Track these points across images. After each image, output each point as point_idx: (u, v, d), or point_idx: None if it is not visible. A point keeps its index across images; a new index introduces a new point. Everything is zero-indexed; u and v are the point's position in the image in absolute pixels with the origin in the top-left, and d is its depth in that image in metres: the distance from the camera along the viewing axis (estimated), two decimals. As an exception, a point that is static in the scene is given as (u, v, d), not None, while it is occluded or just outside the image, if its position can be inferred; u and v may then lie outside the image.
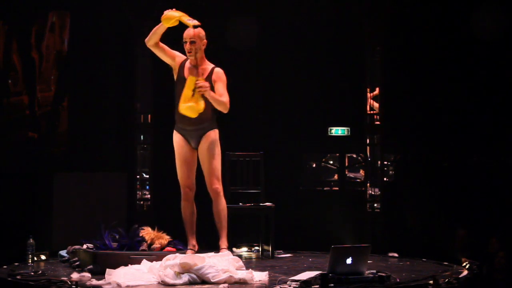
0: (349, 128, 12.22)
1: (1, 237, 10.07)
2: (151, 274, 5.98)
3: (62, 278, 5.93)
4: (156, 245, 6.76)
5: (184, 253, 6.61)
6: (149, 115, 11.78)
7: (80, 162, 11.47)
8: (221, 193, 7.05)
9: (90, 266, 6.40)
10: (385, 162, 12.16)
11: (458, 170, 11.84)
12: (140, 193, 11.70)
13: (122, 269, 6.08)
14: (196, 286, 5.79)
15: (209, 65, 7.14)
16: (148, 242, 6.78)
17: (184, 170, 7.03)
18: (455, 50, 11.63)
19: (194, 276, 5.84)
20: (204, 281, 5.83)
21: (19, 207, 10.76)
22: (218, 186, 7.03)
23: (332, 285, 5.51)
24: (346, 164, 12.60)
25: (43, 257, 7.33)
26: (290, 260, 7.54)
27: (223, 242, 6.98)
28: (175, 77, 7.28)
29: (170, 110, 11.81)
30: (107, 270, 6.01)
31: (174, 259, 5.98)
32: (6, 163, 11.13)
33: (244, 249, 8.16)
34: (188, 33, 7.15)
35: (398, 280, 5.84)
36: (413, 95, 11.75)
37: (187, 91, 6.92)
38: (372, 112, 11.75)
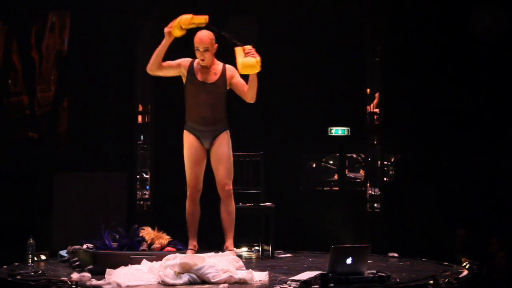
0: (349, 128, 12.21)
1: (1, 237, 10.06)
2: (151, 274, 5.98)
3: (62, 278, 5.93)
4: (156, 245, 6.77)
5: (184, 253, 6.61)
6: (149, 115, 11.78)
7: (80, 162, 11.46)
8: (232, 195, 7.07)
9: (90, 266, 6.41)
10: (385, 162, 12.16)
11: (458, 170, 11.83)
12: (140, 193, 11.70)
13: (122, 269, 6.08)
14: (196, 286, 5.79)
15: (219, 64, 7.14)
16: (148, 242, 6.78)
17: (195, 171, 7.01)
18: (455, 50, 11.63)
19: (194, 276, 5.84)
20: (204, 281, 5.83)
21: (19, 207, 10.75)
22: (231, 187, 7.06)
23: (332, 285, 5.51)
24: (346, 164, 12.60)
25: (43, 257, 7.34)
26: (290, 260, 7.54)
27: (231, 244, 7.02)
28: (184, 80, 7.22)
29: (170, 110, 11.85)
30: (107, 270, 6.01)
31: (174, 259, 5.98)
32: (6, 163, 11.12)
33: (244, 249, 8.16)
34: (201, 41, 7.05)
35: (398, 280, 5.84)
36: (413, 95, 11.75)
37: (242, 59, 6.91)
38: (372, 112, 11.75)
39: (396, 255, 7.84)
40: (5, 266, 6.80)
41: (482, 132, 11.61)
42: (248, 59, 6.92)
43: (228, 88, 7.14)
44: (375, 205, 11.63)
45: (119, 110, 11.93)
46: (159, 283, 5.84)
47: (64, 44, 11.93)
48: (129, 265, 6.23)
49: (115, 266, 6.12)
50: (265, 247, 7.84)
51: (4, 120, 11.59)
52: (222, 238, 7.11)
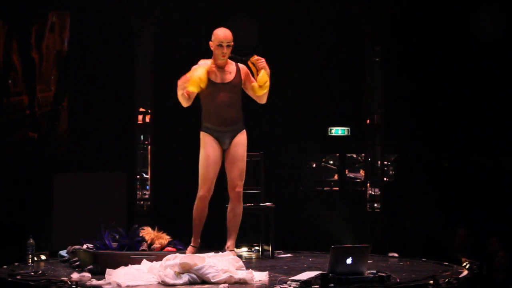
0: (349, 128, 12.22)
1: (1, 237, 10.07)
2: (151, 274, 5.98)
3: (62, 278, 5.93)
4: (156, 245, 6.76)
5: (184, 253, 6.61)
6: (149, 115, 11.78)
7: (80, 162, 11.46)
8: (242, 197, 7.09)
9: (90, 266, 6.40)
10: (385, 162, 12.16)
11: (458, 170, 11.84)
12: (140, 193, 11.70)
13: (122, 269, 6.08)
14: (196, 286, 5.79)
15: (231, 63, 7.10)
16: (148, 242, 6.77)
17: (211, 171, 6.97)
18: (455, 50, 11.63)
19: (194, 276, 5.84)
20: (204, 281, 5.83)
21: (19, 207, 10.76)
22: (241, 189, 7.07)
23: (332, 285, 5.50)
24: (346, 164, 12.61)
25: (43, 257, 7.33)
26: (290, 260, 7.53)
27: (232, 245, 7.03)
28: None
29: (170, 110, 11.84)
30: (107, 270, 6.01)
31: (174, 259, 5.98)
32: (6, 163, 11.12)
33: (244, 249, 8.16)
34: (226, 35, 6.98)
35: (398, 280, 5.84)
36: (413, 95, 11.76)
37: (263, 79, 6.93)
38: (372, 112, 11.75)
39: (396, 255, 7.84)
40: (5, 266, 6.80)
41: (482, 132, 11.61)
42: (265, 77, 6.96)
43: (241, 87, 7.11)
44: (375, 205, 11.63)
45: (119, 110, 11.94)
46: (159, 283, 5.84)
47: (64, 44, 11.93)
48: (129, 265, 6.22)
49: (115, 266, 6.11)
50: (265, 247, 7.83)
51: (4, 120, 11.59)
52: (223, 238, 7.11)
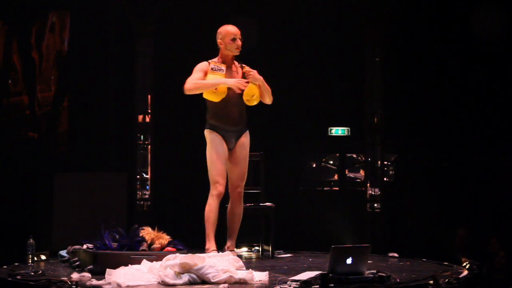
0: (349, 128, 12.22)
1: (1, 237, 10.06)
2: (151, 274, 5.98)
3: (62, 278, 5.93)
4: (156, 245, 6.76)
5: (184, 253, 6.61)
6: (149, 115, 11.78)
7: (80, 162, 11.47)
8: (242, 197, 7.10)
9: (90, 266, 6.40)
10: (385, 162, 12.17)
11: (458, 170, 11.84)
12: (140, 193, 11.70)
13: (122, 269, 6.08)
14: (196, 286, 5.79)
15: (236, 63, 7.10)
16: (148, 242, 6.77)
17: (222, 169, 6.96)
18: (455, 50, 11.64)
19: (194, 276, 5.84)
20: (204, 281, 5.83)
21: (19, 207, 10.76)
22: (243, 190, 7.10)
23: (332, 285, 5.50)
24: (346, 164, 12.62)
25: (43, 257, 7.33)
26: (290, 260, 7.53)
27: (232, 245, 7.05)
28: None
29: (170, 110, 11.85)
30: (107, 270, 6.00)
31: (174, 259, 5.98)
32: (6, 163, 11.12)
33: (244, 249, 8.16)
34: (237, 29, 7.02)
35: (398, 280, 5.83)
36: (413, 95, 11.76)
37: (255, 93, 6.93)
38: (372, 112, 11.75)
39: (396, 255, 7.84)
40: (5, 266, 6.80)
41: (482, 132, 11.61)
42: (252, 91, 6.95)
43: None
44: (375, 205, 11.63)
45: (119, 110, 11.94)
46: (159, 283, 5.83)
47: (64, 44, 11.94)
48: (129, 265, 6.22)
49: (115, 266, 6.11)
50: (265, 247, 7.83)
51: (4, 120, 11.59)
52: (224, 238, 7.12)
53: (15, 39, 11.75)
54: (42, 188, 11.02)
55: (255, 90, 7.02)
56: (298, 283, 5.56)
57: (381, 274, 5.75)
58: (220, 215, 7.12)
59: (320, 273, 5.60)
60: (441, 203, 11.37)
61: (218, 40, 7.03)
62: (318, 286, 5.52)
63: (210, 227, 6.94)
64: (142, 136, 11.80)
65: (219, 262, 6.01)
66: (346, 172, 12.59)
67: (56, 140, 11.86)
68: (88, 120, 11.71)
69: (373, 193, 11.67)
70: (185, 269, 5.86)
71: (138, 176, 11.73)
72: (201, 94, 7.01)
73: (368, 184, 11.73)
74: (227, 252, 6.66)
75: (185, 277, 5.83)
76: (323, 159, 12.92)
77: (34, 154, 11.46)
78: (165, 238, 6.83)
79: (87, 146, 11.61)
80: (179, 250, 6.69)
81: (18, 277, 6.15)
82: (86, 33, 11.65)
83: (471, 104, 11.67)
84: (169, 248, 6.78)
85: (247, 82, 6.98)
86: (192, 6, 11.68)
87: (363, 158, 12.13)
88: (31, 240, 7.08)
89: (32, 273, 6.30)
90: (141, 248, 6.72)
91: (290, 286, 5.58)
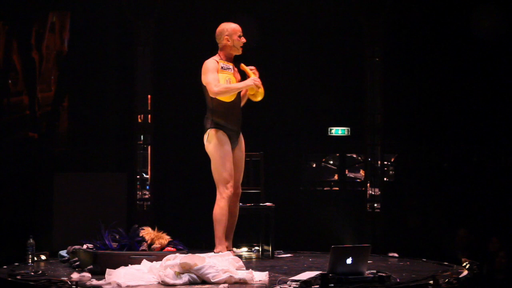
0: (349, 128, 12.22)
1: (1, 237, 10.06)
2: (151, 274, 5.98)
3: (62, 278, 5.93)
4: (156, 245, 6.76)
5: (185, 253, 6.61)
6: (149, 115, 11.78)
7: (80, 162, 11.47)
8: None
9: (90, 266, 6.40)
10: (385, 162, 12.17)
11: (458, 170, 11.84)
12: (140, 193, 11.70)
13: (122, 269, 6.08)
14: (196, 286, 5.79)
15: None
16: (148, 242, 6.77)
17: (231, 169, 6.92)
18: (455, 50, 11.64)
19: (194, 276, 5.83)
20: (204, 281, 5.83)
21: (19, 207, 10.76)
22: (241, 190, 7.12)
23: (332, 285, 5.50)
24: (346, 164, 12.62)
25: (43, 257, 7.33)
26: (290, 260, 7.53)
27: (231, 244, 7.05)
28: None
29: (170, 110, 11.84)
30: (107, 270, 6.00)
31: (174, 259, 5.98)
32: (6, 163, 11.12)
33: (244, 249, 8.16)
34: (239, 26, 7.01)
35: (398, 280, 5.83)
36: (413, 95, 11.76)
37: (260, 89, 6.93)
38: (372, 112, 11.75)
39: (396, 255, 7.84)
40: (5, 266, 6.80)
41: (482, 132, 11.61)
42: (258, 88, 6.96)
43: None
44: (375, 205, 11.63)
45: (119, 110, 11.94)
46: (159, 283, 5.83)
47: (64, 44, 11.94)
48: (129, 265, 6.22)
49: (115, 266, 6.11)
50: (265, 247, 7.83)
51: (4, 120, 11.59)
52: (237, 238, 7.13)
53: (15, 39, 11.75)
54: (42, 188, 11.02)
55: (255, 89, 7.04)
56: (298, 283, 5.56)
57: (381, 274, 5.75)
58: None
59: (320, 273, 5.60)
60: (441, 203, 11.37)
61: (225, 37, 6.97)
62: (318, 286, 5.52)
63: (222, 230, 6.92)
64: (142, 136, 11.80)
65: (219, 262, 6.01)
66: (346, 172, 12.59)
67: (56, 140, 11.86)
68: (88, 120, 11.71)
69: (373, 193, 11.67)
70: (185, 269, 5.86)
71: (138, 176, 11.73)
72: (203, 93, 6.99)
73: (368, 184, 11.73)
74: (227, 252, 6.66)
75: (185, 277, 5.83)
76: (323, 159, 12.92)
77: (34, 154, 11.46)
78: (165, 238, 6.83)
79: (87, 146, 11.61)
80: (179, 250, 6.69)
81: (18, 277, 6.14)
82: (86, 33, 11.65)
83: (471, 104, 11.67)
84: (169, 248, 6.78)
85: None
86: (192, 6, 11.68)
87: (363, 158, 12.13)
88: (31, 240, 7.07)
89: (32, 273, 6.30)
90: (141, 248, 6.71)
91: (290, 286, 5.58)
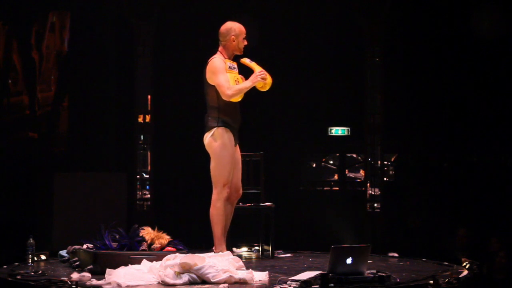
0: (349, 128, 12.22)
1: (1, 237, 10.06)
2: (151, 274, 5.98)
3: (62, 278, 5.93)
4: (156, 245, 6.76)
5: (185, 253, 6.61)
6: (149, 115, 11.78)
7: (80, 162, 11.47)
8: None
9: (90, 266, 6.40)
10: (385, 162, 12.17)
11: (458, 170, 11.84)
12: (140, 193, 11.70)
13: (122, 269, 6.08)
14: (196, 286, 5.79)
15: None
16: (148, 242, 6.77)
17: (231, 172, 6.91)
18: (455, 50, 11.64)
19: (194, 276, 5.83)
20: (204, 281, 5.83)
21: (19, 207, 10.75)
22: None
23: (332, 285, 5.50)
24: (346, 164, 12.62)
25: (43, 257, 7.32)
26: (290, 260, 7.53)
27: (224, 245, 7.05)
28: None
29: (170, 110, 11.84)
30: (107, 270, 6.00)
31: (174, 259, 5.98)
32: (6, 163, 11.12)
33: (244, 249, 8.16)
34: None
35: (398, 280, 5.83)
36: (413, 95, 11.76)
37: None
38: (372, 112, 11.75)
39: (396, 255, 7.84)
40: (5, 266, 6.79)
41: (482, 132, 11.61)
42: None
43: None
44: (375, 205, 11.63)
45: (119, 110, 11.94)
46: (159, 283, 5.83)
47: (64, 44, 11.94)
48: (129, 265, 6.22)
49: (115, 266, 6.11)
50: (265, 247, 7.83)
51: (4, 120, 11.59)
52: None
53: (15, 39, 11.75)
54: (42, 188, 11.02)
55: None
56: (298, 283, 5.56)
57: (381, 274, 5.75)
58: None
59: (320, 273, 5.60)
60: (441, 203, 11.37)
61: (231, 37, 6.92)
62: (318, 286, 5.52)
63: (221, 230, 6.91)
64: (142, 136, 11.80)
65: (219, 262, 6.01)
66: (346, 172, 12.60)
67: (56, 140, 11.86)
68: (88, 120, 11.71)
69: (373, 193, 11.67)
70: (185, 269, 5.86)
71: (138, 176, 11.73)
72: (205, 93, 6.95)
73: (368, 184, 11.73)
74: (227, 252, 6.66)
75: (185, 277, 5.83)
76: (323, 159, 12.92)
77: (34, 154, 11.46)
78: (165, 238, 6.83)
79: (87, 146, 11.61)
80: (179, 250, 6.69)
81: (18, 277, 6.14)
82: (86, 33, 11.65)
83: (471, 104, 11.67)
84: (169, 248, 6.78)
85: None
86: (192, 6, 11.68)
87: (363, 158, 12.13)
88: (31, 240, 7.07)
89: (32, 273, 6.30)
90: (141, 248, 6.71)
91: (290, 286, 5.58)
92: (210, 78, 6.85)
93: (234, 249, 7.71)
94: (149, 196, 11.70)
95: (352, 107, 11.96)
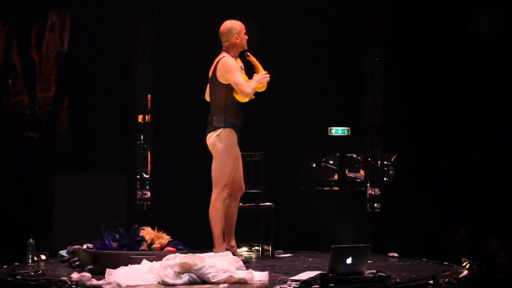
0: (349, 128, 12.22)
1: (1, 237, 10.06)
2: (151, 274, 5.98)
3: (62, 278, 5.93)
4: (156, 245, 6.76)
5: (185, 253, 6.61)
6: (149, 115, 11.78)
7: (80, 162, 11.47)
8: None
9: (90, 266, 6.40)
10: (385, 162, 12.17)
11: (458, 170, 11.84)
12: (140, 193, 11.70)
13: (122, 269, 6.08)
14: (196, 286, 5.79)
15: None
16: (148, 242, 6.77)
17: (233, 173, 6.92)
18: (455, 50, 11.64)
19: (194, 276, 5.84)
20: (204, 281, 5.83)
21: (19, 207, 10.75)
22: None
23: (332, 285, 5.50)
24: (346, 164, 12.62)
25: (43, 257, 7.32)
26: (290, 260, 7.53)
27: (234, 241, 7.06)
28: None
29: (170, 110, 11.84)
30: (107, 270, 6.00)
31: (174, 259, 5.98)
32: (6, 163, 11.12)
33: (244, 249, 8.16)
34: None
35: (398, 280, 5.83)
36: (413, 95, 11.76)
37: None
38: (372, 112, 11.75)
39: (396, 255, 7.84)
40: (5, 266, 6.79)
41: (482, 132, 11.61)
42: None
43: None
44: (375, 205, 11.63)
45: (119, 110, 11.94)
46: (159, 283, 5.83)
47: (64, 44, 11.94)
48: (129, 265, 6.22)
49: (115, 266, 6.11)
50: (265, 247, 7.83)
51: (4, 120, 11.59)
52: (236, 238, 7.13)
53: (15, 39, 11.75)
54: (42, 188, 11.02)
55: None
56: (298, 283, 5.56)
57: (381, 274, 5.75)
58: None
59: (320, 273, 5.60)
60: (441, 203, 11.37)
61: (234, 35, 6.89)
62: (318, 286, 5.52)
63: (221, 230, 6.91)
64: (142, 136, 11.80)
65: (219, 262, 6.01)
66: (346, 172, 12.60)
67: (56, 140, 11.86)
68: (88, 120, 11.71)
69: (373, 193, 11.67)
70: (185, 269, 5.86)
71: (138, 176, 11.73)
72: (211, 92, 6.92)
73: (368, 184, 11.73)
74: (227, 252, 6.66)
75: (185, 277, 5.83)
76: (323, 159, 12.92)
77: (34, 154, 11.46)
78: (165, 238, 6.83)
79: (87, 146, 11.62)
80: (179, 250, 6.69)
81: (18, 277, 6.14)
82: (86, 33, 11.65)
83: (471, 104, 11.67)
84: (169, 248, 6.78)
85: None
86: (192, 6, 11.68)
87: (363, 158, 12.13)
88: (31, 240, 7.07)
89: (32, 273, 6.30)
90: (141, 248, 6.72)
91: (290, 286, 5.58)
92: (223, 76, 6.81)
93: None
94: (149, 196, 11.71)
95: (352, 107, 11.96)
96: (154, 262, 6.23)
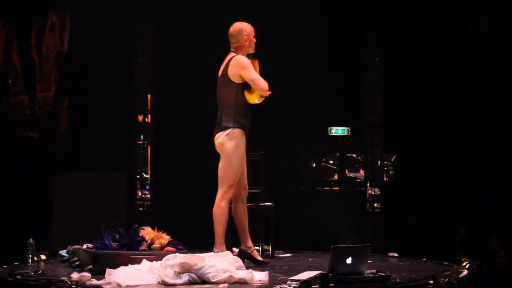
0: (349, 128, 12.22)
1: (1, 237, 10.06)
2: (151, 274, 5.98)
3: (62, 278, 5.93)
4: (156, 245, 6.76)
5: (185, 253, 6.60)
6: (149, 115, 11.78)
7: (80, 162, 11.47)
8: None
9: (90, 266, 6.40)
10: (385, 162, 12.17)
11: (458, 170, 11.84)
12: (140, 193, 11.70)
13: (122, 269, 6.08)
14: (196, 286, 5.79)
15: None
16: (148, 242, 6.77)
17: (240, 171, 6.89)
18: (455, 50, 11.64)
19: (194, 276, 5.83)
20: (204, 281, 5.83)
21: (19, 207, 10.75)
22: None
23: (332, 285, 5.50)
24: (346, 164, 12.62)
25: (43, 257, 7.32)
26: (290, 260, 7.53)
27: (250, 241, 7.02)
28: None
29: (170, 110, 11.84)
30: (107, 270, 6.00)
31: (174, 259, 5.98)
32: (6, 163, 11.12)
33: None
34: None
35: (398, 280, 5.83)
36: (413, 95, 11.76)
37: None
38: (372, 112, 11.75)
39: (396, 255, 7.84)
40: (5, 266, 6.79)
41: (482, 132, 11.62)
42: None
43: None
44: (375, 205, 11.63)
45: (119, 110, 11.94)
46: (159, 283, 5.83)
47: (64, 44, 11.94)
48: (129, 265, 6.22)
49: (115, 266, 6.11)
50: (265, 247, 7.83)
51: (4, 120, 11.59)
52: (236, 238, 7.12)
53: (15, 39, 11.75)
54: (42, 188, 11.02)
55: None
56: (298, 283, 5.56)
57: (381, 274, 5.75)
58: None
59: (320, 273, 5.60)
60: (441, 203, 11.37)
61: (244, 37, 6.86)
62: (318, 286, 5.52)
63: (223, 230, 6.87)
64: (142, 136, 11.80)
65: (219, 262, 6.01)
66: (346, 172, 12.60)
67: (56, 140, 11.86)
68: (88, 120, 11.71)
69: (373, 193, 11.67)
70: (185, 269, 5.86)
71: (138, 176, 11.73)
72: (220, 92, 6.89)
73: (368, 184, 11.73)
74: (227, 252, 6.66)
75: (185, 277, 5.83)
76: (323, 159, 12.92)
77: (34, 154, 11.46)
78: (165, 238, 6.83)
79: (87, 146, 11.62)
80: (179, 250, 6.69)
81: (18, 277, 6.14)
82: (86, 33, 11.65)
83: (471, 104, 11.68)
84: (169, 248, 6.78)
85: None
86: (192, 6, 11.69)
87: (363, 158, 12.13)
88: (31, 240, 7.07)
89: (32, 273, 6.30)
90: (141, 248, 6.72)
91: (290, 286, 5.58)
92: (237, 74, 6.75)
93: (234, 249, 7.71)
94: (149, 196, 11.71)
95: (352, 107, 11.96)
96: (154, 262, 6.23)
